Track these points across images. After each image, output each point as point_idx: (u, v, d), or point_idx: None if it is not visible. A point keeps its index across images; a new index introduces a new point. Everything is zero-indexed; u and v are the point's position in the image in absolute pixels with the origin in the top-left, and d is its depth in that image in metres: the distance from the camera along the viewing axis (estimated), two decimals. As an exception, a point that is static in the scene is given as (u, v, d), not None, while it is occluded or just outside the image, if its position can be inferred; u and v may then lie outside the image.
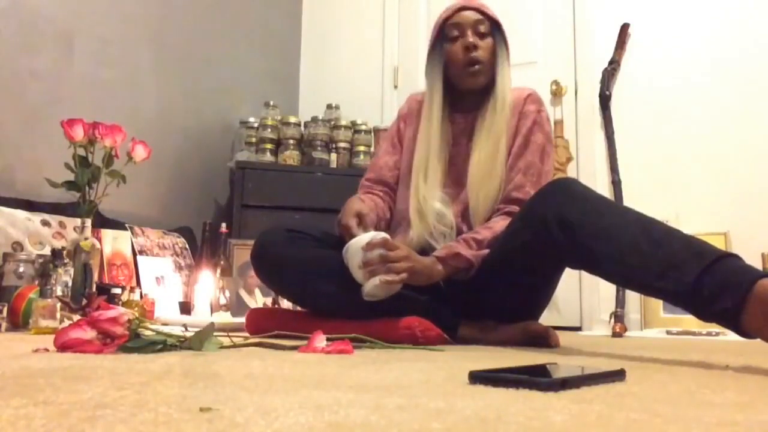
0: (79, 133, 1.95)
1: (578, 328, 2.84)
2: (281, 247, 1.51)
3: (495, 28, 1.60)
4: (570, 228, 1.20)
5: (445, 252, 1.44)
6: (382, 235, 1.40)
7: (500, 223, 1.48)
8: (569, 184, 1.30)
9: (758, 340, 0.99)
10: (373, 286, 1.34)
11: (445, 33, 1.60)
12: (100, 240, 2.22)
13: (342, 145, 3.02)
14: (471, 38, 1.57)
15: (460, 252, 1.43)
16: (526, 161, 1.55)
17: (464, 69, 1.58)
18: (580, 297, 2.86)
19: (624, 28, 2.94)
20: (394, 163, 1.71)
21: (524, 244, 1.35)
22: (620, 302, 2.63)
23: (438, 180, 1.58)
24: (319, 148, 2.99)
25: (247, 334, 1.52)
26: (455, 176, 1.60)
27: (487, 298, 1.47)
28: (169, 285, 2.52)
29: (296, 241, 1.51)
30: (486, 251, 1.45)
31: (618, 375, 0.80)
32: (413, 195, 1.58)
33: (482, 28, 1.58)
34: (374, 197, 1.65)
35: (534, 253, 1.34)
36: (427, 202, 1.55)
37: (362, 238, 1.38)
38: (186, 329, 1.19)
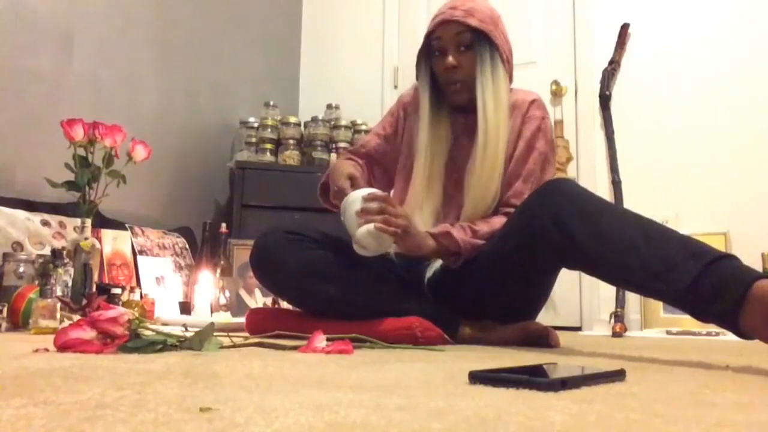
0: (79, 133, 1.95)
1: (578, 328, 2.84)
2: (280, 249, 1.51)
3: (481, 36, 1.53)
4: (567, 229, 1.20)
5: (438, 230, 1.44)
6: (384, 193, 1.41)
7: (498, 220, 1.48)
8: (566, 184, 1.30)
9: (757, 340, 0.99)
10: (366, 231, 1.30)
11: (431, 46, 1.58)
12: (100, 240, 2.22)
13: (342, 145, 3.02)
14: (450, 56, 1.53)
15: (452, 233, 1.42)
16: (528, 169, 1.54)
17: (446, 87, 1.58)
18: (580, 297, 2.86)
19: (624, 28, 2.94)
20: (382, 148, 1.71)
21: (521, 245, 1.34)
22: (620, 302, 2.63)
23: (433, 203, 1.57)
24: (319, 148, 2.99)
25: (247, 334, 1.52)
26: (456, 178, 1.60)
27: (484, 297, 1.47)
28: (169, 285, 2.52)
29: (295, 244, 1.51)
30: (479, 242, 1.44)
31: (618, 375, 0.80)
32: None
33: (464, 42, 1.53)
34: (357, 166, 1.64)
35: (531, 254, 1.34)
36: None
37: (364, 190, 1.38)
38: (186, 329, 1.19)
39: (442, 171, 1.60)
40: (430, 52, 1.59)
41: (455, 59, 1.53)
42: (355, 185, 1.45)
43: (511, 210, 1.48)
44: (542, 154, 1.55)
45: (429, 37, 1.57)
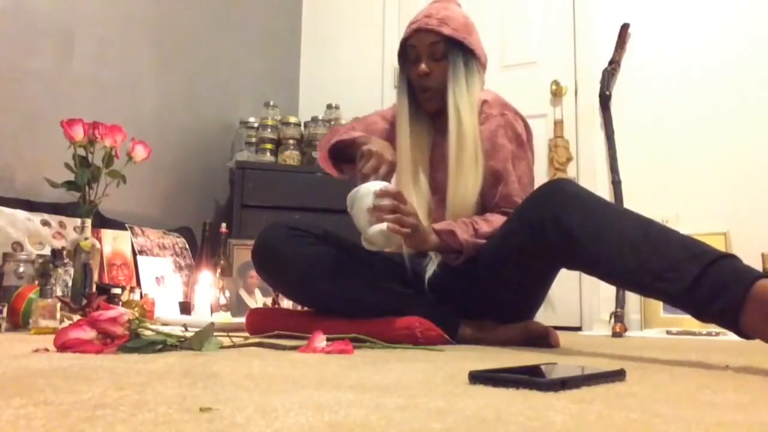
0: (79, 133, 1.96)
1: (578, 328, 2.84)
2: (282, 243, 1.51)
3: (455, 44, 1.55)
4: (567, 229, 1.20)
5: (442, 227, 1.44)
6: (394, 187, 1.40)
7: (498, 219, 1.48)
8: (565, 185, 1.30)
9: (757, 340, 0.99)
10: (378, 231, 1.31)
11: (406, 53, 1.61)
12: (100, 240, 2.22)
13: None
14: (423, 64, 1.56)
15: (456, 231, 1.42)
16: (505, 170, 1.53)
17: (419, 94, 1.61)
18: (580, 297, 2.86)
19: (624, 28, 2.94)
20: (382, 129, 1.70)
21: (521, 245, 1.34)
22: (620, 302, 2.63)
23: (423, 199, 1.57)
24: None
25: (247, 334, 1.52)
26: (440, 175, 1.60)
27: (485, 297, 1.47)
28: (169, 285, 2.52)
29: (296, 239, 1.51)
30: (481, 242, 1.44)
31: (618, 375, 0.80)
32: None
33: (438, 50, 1.56)
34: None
35: (530, 254, 1.34)
36: None
37: (375, 184, 1.37)
38: (186, 329, 1.19)
39: (427, 168, 1.61)
40: (406, 57, 1.62)
41: (428, 66, 1.56)
42: (364, 140, 1.44)
43: (510, 210, 1.49)
44: (509, 152, 1.55)
45: (405, 44, 1.60)
